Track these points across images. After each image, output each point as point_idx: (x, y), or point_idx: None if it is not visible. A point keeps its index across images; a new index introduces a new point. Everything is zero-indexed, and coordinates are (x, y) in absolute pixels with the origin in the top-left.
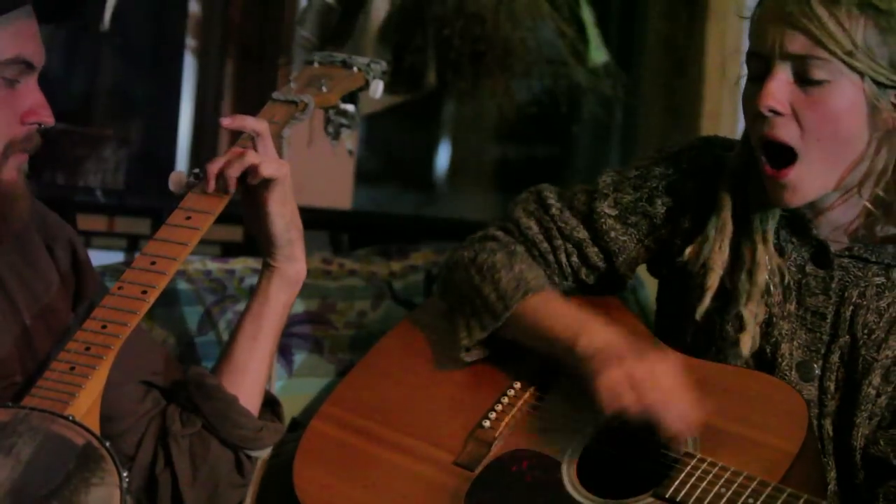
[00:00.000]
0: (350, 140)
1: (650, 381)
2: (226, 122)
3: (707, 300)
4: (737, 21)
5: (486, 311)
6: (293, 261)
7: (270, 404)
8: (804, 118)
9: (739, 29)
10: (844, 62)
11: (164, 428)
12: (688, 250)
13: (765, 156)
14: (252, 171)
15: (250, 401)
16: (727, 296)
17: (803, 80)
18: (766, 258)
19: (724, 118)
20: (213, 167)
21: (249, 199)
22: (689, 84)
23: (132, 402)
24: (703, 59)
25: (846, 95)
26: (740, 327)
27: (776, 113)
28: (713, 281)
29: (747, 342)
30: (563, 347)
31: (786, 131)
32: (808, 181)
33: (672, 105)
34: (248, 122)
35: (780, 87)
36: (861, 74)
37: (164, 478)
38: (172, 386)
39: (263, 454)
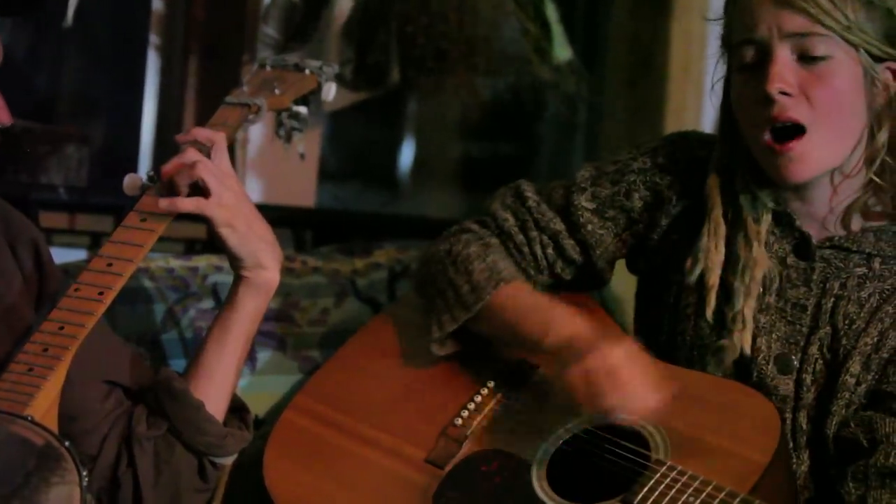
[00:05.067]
0: (302, 143)
1: (606, 376)
2: (180, 138)
3: (713, 300)
4: (701, 17)
5: (458, 303)
6: (260, 269)
7: (239, 411)
8: (813, 95)
9: (704, 25)
10: (842, 36)
11: (129, 429)
12: (687, 262)
13: (772, 136)
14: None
15: (216, 406)
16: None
17: (805, 58)
18: (763, 256)
19: (688, 116)
20: (165, 170)
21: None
22: (654, 82)
23: (95, 402)
24: (668, 57)
25: (848, 69)
26: (739, 326)
27: (786, 94)
28: (714, 280)
29: (748, 340)
30: (531, 343)
31: (796, 110)
32: (815, 153)
33: (636, 103)
34: (202, 134)
35: (785, 68)
36: (857, 48)
37: (126, 479)
38: (141, 387)
39: (228, 461)
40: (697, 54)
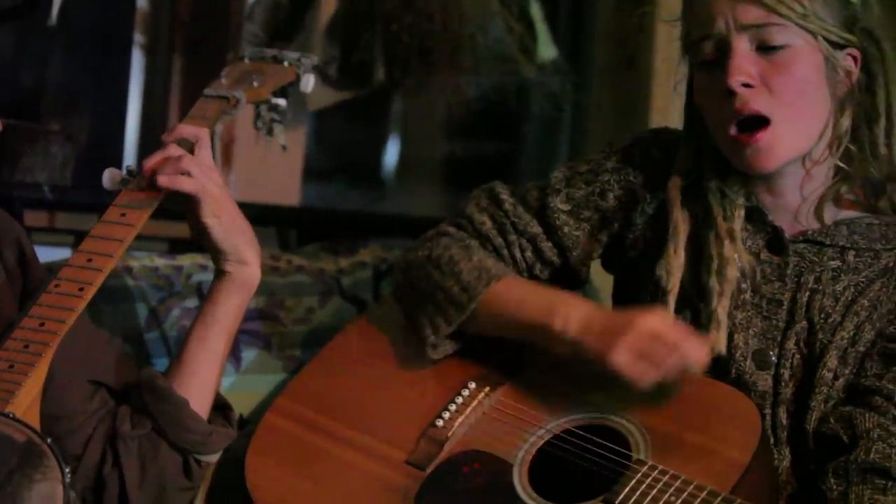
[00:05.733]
0: (283, 135)
1: (659, 335)
2: (166, 137)
3: (672, 305)
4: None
5: (450, 304)
6: (243, 265)
7: (222, 408)
8: (773, 84)
9: None
10: (800, 25)
11: (113, 428)
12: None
13: (738, 129)
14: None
15: (200, 404)
16: (685, 295)
17: (764, 48)
18: (734, 254)
19: (673, 114)
20: (148, 165)
21: (184, 207)
22: (639, 80)
23: (79, 402)
24: (652, 56)
25: (807, 57)
26: (714, 326)
27: (747, 86)
28: (673, 284)
29: (723, 340)
30: (538, 330)
31: (759, 101)
32: (781, 143)
33: (621, 101)
34: (186, 130)
35: (744, 59)
36: (815, 35)
37: (111, 478)
38: (124, 387)
39: (212, 459)
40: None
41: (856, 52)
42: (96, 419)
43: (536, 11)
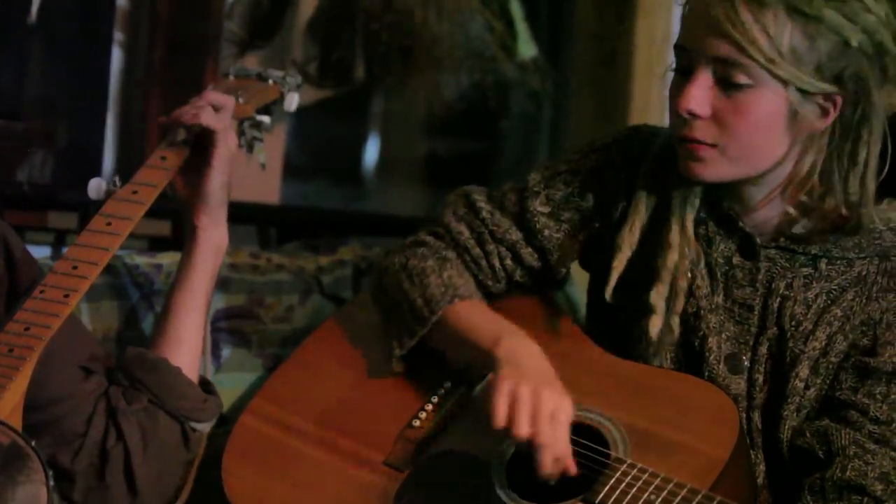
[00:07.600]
0: (262, 154)
1: (550, 410)
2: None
3: (613, 280)
4: (666, 15)
5: (413, 317)
6: (220, 225)
7: (202, 384)
8: (726, 121)
9: (668, 23)
10: (766, 69)
11: (111, 407)
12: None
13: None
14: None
15: (190, 372)
16: (636, 281)
17: (726, 84)
18: (678, 239)
19: (652, 112)
20: (176, 113)
21: (196, 151)
22: (618, 78)
23: (75, 384)
24: (632, 54)
25: (768, 102)
26: (650, 311)
27: (695, 116)
28: (620, 261)
29: (656, 325)
30: (483, 351)
31: (705, 132)
32: (721, 164)
33: (601, 99)
34: (213, 97)
35: (701, 90)
36: (784, 83)
37: (115, 452)
38: (109, 370)
39: (206, 427)
40: (662, 52)
41: (837, 97)
42: (94, 398)
43: (516, 9)
